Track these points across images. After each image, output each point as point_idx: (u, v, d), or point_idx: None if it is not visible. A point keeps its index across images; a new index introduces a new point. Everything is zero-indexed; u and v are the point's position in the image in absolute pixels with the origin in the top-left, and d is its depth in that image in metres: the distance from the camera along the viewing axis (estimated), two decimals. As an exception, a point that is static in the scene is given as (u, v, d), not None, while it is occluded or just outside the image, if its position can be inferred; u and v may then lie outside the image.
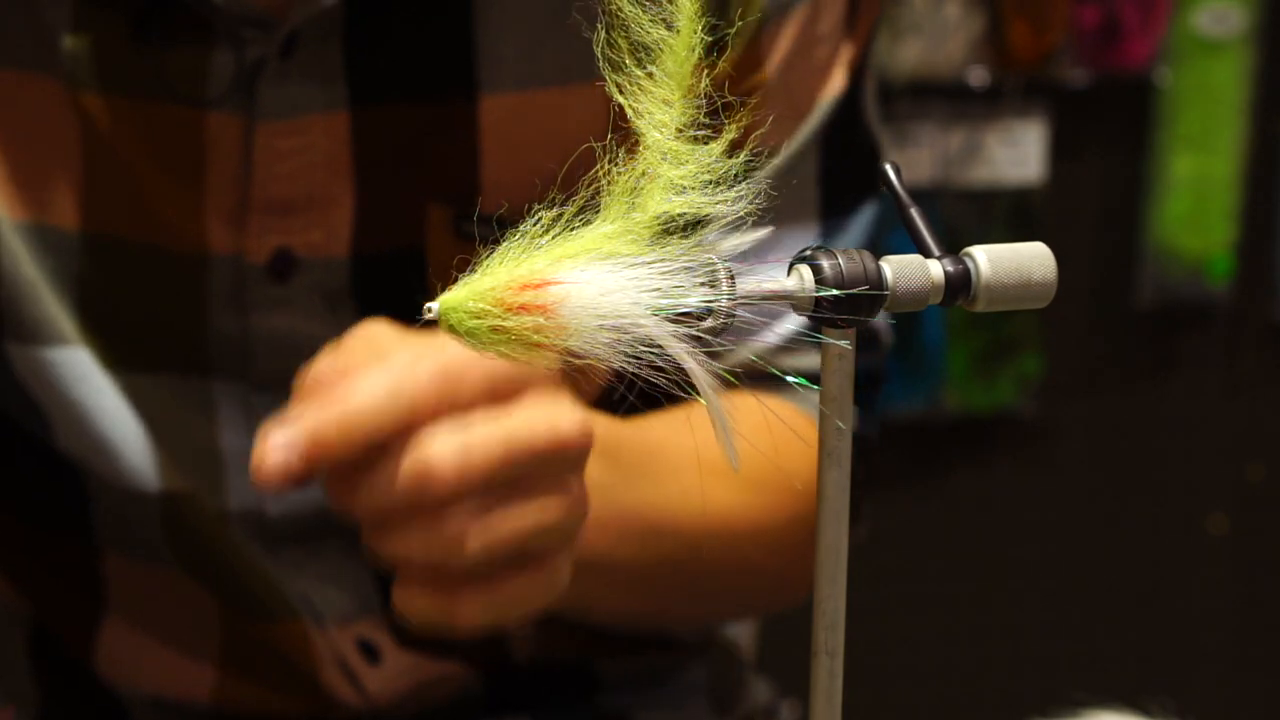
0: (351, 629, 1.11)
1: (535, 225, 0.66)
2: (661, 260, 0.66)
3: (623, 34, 0.66)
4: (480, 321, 0.66)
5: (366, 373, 0.84)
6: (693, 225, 0.67)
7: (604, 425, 0.99)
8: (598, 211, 0.67)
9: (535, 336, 0.65)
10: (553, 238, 0.66)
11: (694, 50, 0.67)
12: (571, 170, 0.67)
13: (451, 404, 0.84)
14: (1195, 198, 2.43)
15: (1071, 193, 2.41)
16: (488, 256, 0.66)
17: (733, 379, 0.67)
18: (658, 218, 0.66)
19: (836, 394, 0.69)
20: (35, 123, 1.04)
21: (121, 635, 1.14)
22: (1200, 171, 2.42)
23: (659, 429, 1.03)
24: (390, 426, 0.83)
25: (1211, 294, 2.48)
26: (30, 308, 1.06)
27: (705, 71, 0.67)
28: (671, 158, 0.67)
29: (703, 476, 1.02)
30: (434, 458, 0.83)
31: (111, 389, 1.07)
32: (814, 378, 0.70)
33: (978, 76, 2.33)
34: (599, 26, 0.66)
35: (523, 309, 0.65)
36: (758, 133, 0.68)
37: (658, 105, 0.67)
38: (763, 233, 0.67)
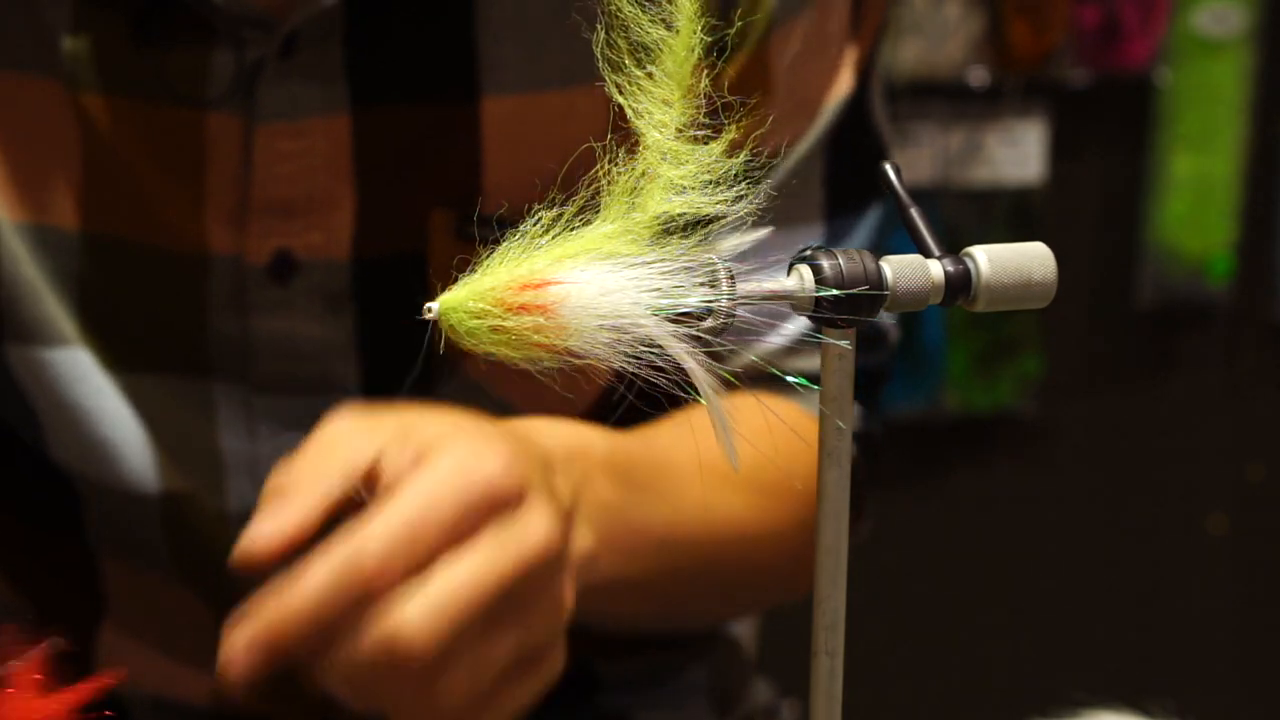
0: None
1: (535, 225, 0.66)
2: (661, 260, 0.66)
3: (622, 34, 0.66)
4: (480, 321, 0.66)
5: (320, 558, 0.83)
6: (693, 225, 0.67)
7: (614, 443, 0.99)
8: (598, 211, 0.67)
9: (535, 336, 0.65)
10: (553, 238, 0.66)
11: (694, 50, 0.67)
12: (572, 171, 0.67)
13: (411, 563, 0.83)
14: (1195, 198, 2.43)
15: (1071, 193, 2.41)
16: (488, 257, 0.66)
17: (734, 380, 0.67)
18: (658, 218, 0.66)
19: (836, 394, 0.69)
20: (35, 123, 1.04)
21: (120, 640, 1.14)
22: (1200, 171, 2.42)
23: (666, 441, 1.03)
24: (349, 604, 0.83)
25: (1211, 294, 2.48)
26: (30, 308, 1.06)
27: (706, 71, 0.67)
28: (671, 158, 0.67)
29: (711, 485, 1.03)
30: (402, 628, 0.82)
31: (111, 390, 1.07)
32: (816, 378, 0.70)
33: (978, 76, 2.33)
34: (599, 27, 0.66)
35: (523, 309, 0.65)
36: (758, 132, 0.68)
37: (658, 105, 0.67)
38: (763, 232, 0.67)
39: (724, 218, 0.67)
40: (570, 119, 1.03)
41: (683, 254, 0.66)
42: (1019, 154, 2.36)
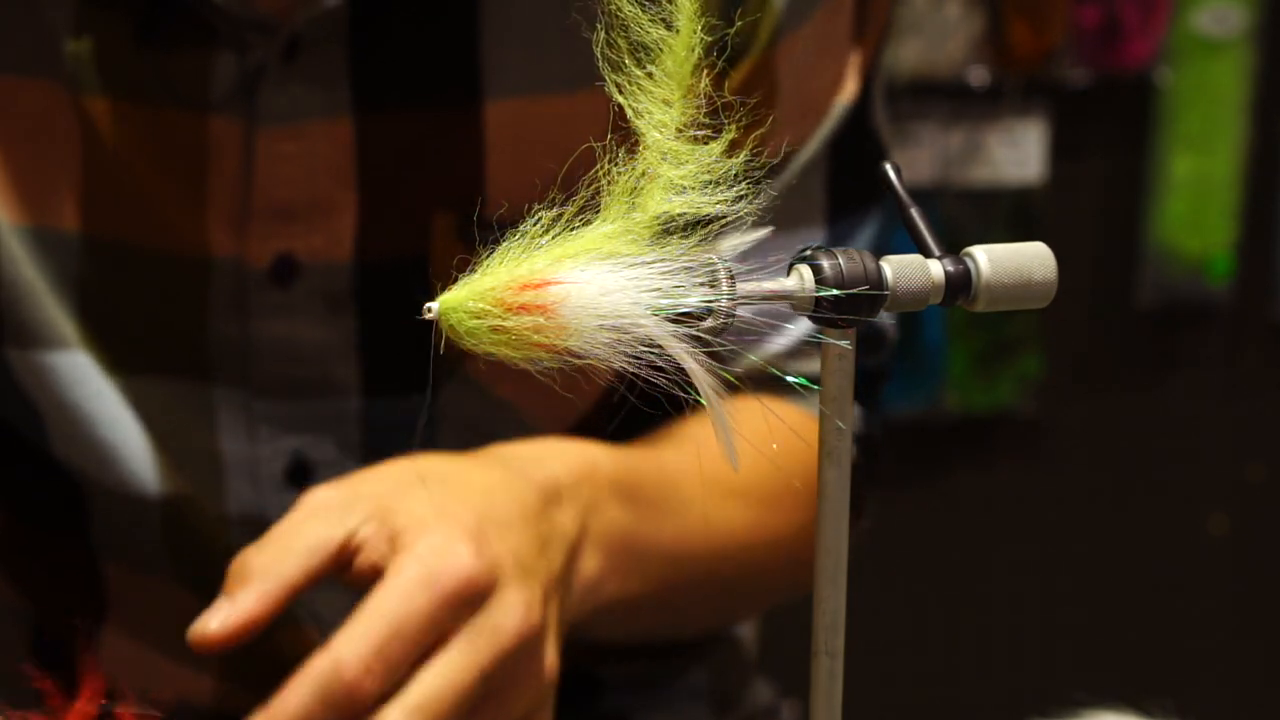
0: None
1: (535, 225, 0.66)
2: (661, 260, 0.66)
3: (623, 34, 0.66)
4: (480, 321, 0.66)
5: (300, 674, 0.84)
6: (693, 225, 0.67)
7: (620, 461, 1.00)
8: (598, 211, 0.67)
9: (535, 336, 0.65)
10: (553, 238, 0.66)
11: (694, 50, 0.67)
12: (572, 171, 0.67)
13: (390, 670, 0.85)
14: (1195, 198, 2.43)
15: (1071, 193, 2.41)
16: (488, 257, 0.66)
17: (735, 380, 0.67)
18: (658, 218, 0.66)
19: (836, 394, 0.69)
20: (36, 126, 1.04)
21: (121, 642, 1.14)
22: (1200, 171, 2.42)
23: (671, 455, 1.03)
24: (333, 717, 0.84)
25: (1211, 294, 2.48)
26: (30, 311, 1.06)
27: (707, 71, 0.67)
28: (671, 158, 0.66)
29: (716, 498, 1.03)
30: None
31: (111, 393, 1.07)
32: (816, 380, 0.70)
33: (978, 76, 2.33)
34: (599, 27, 0.66)
35: (523, 309, 0.65)
36: (759, 132, 0.68)
37: (658, 105, 0.67)
38: (763, 232, 0.67)
39: (724, 218, 0.67)
40: (573, 122, 1.03)
41: (683, 254, 0.66)
42: (1019, 154, 2.36)
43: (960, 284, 0.69)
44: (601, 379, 0.70)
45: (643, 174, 0.66)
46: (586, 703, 1.18)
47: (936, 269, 0.69)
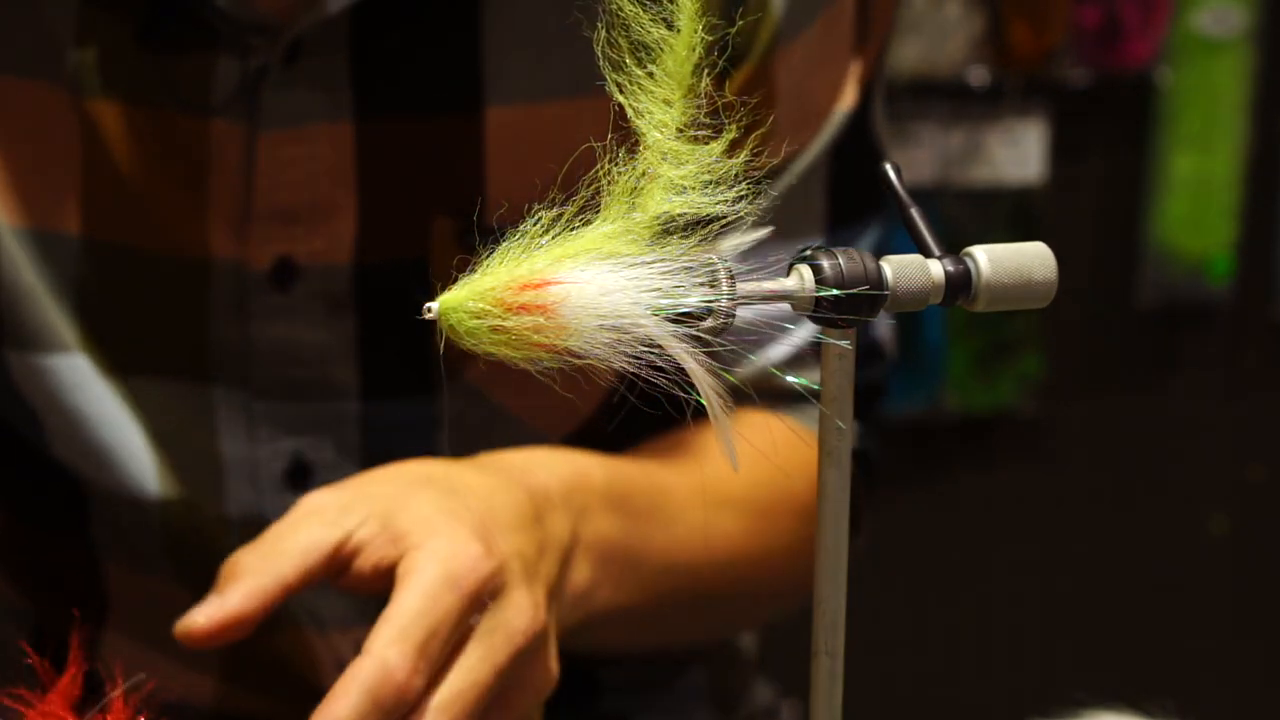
0: (352, 634, 1.10)
1: (535, 225, 0.66)
2: (661, 260, 0.66)
3: (623, 33, 0.66)
4: (480, 321, 0.66)
5: (347, 677, 0.84)
6: (693, 225, 0.67)
7: (612, 471, 1.00)
8: (598, 211, 0.67)
9: (535, 336, 0.65)
10: (553, 238, 0.66)
11: (695, 50, 0.67)
12: (572, 172, 0.67)
13: (432, 667, 0.86)
14: (1195, 198, 2.43)
15: (1071, 193, 2.41)
16: (488, 257, 0.66)
17: (735, 382, 0.67)
18: (658, 218, 0.66)
19: (836, 394, 0.69)
20: (37, 128, 1.04)
21: (121, 643, 1.14)
22: (1200, 171, 2.42)
23: (663, 464, 1.03)
24: (386, 718, 0.85)
25: (1211, 294, 2.48)
26: (30, 314, 1.06)
27: (707, 71, 0.67)
28: (671, 158, 0.66)
29: (709, 509, 1.03)
30: None
31: (111, 396, 1.07)
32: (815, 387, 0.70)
33: (978, 76, 2.33)
34: (599, 27, 0.66)
35: (523, 309, 0.65)
36: (759, 132, 0.68)
37: (658, 105, 0.66)
38: (763, 232, 0.67)
39: (724, 218, 0.67)
40: (574, 129, 1.03)
41: (683, 254, 0.66)
42: (1019, 154, 2.36)
43: (960, 284, 0.69)
44: (602, 380, 0.70)
45: (643, 174, 0.66)
46: (586, 703, 1.18)
47: (936, 269, 0.69)
